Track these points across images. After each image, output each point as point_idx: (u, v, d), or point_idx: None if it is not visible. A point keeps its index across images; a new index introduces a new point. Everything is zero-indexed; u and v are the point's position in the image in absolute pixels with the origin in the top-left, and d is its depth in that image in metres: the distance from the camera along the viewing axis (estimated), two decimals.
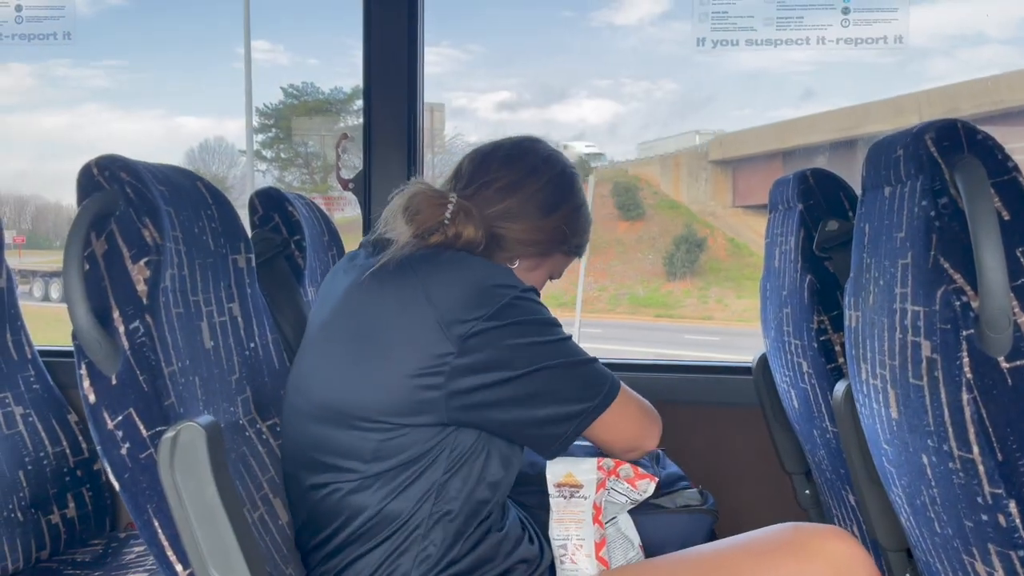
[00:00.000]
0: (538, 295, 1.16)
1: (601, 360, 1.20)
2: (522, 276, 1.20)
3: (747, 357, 1.94)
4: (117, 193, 1.00)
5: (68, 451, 1.75)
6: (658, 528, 1.39)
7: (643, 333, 11.51)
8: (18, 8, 1.97)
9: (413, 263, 1.12)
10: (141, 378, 0.96)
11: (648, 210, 14.86)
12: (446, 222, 1.15)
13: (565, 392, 1.12)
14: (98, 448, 0.97)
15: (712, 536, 1.47)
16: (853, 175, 1.33)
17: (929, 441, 0.98)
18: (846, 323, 1.26)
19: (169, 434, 0.93)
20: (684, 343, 11.03)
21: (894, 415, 1.07)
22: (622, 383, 1.19)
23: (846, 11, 1.84)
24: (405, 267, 1.12)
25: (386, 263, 1.13)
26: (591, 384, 1.14)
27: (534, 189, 1.23)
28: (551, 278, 1.34)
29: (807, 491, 1.80)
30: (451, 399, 1.06)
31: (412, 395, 1.06)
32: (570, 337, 1.15)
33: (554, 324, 1.13)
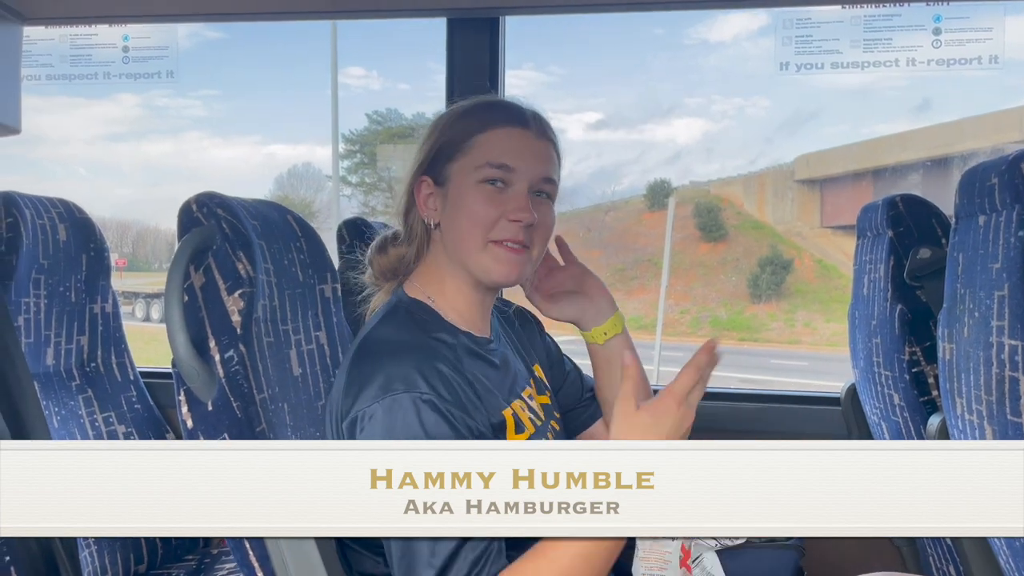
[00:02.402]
0: (433, 402, 0.95)
1: None
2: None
3: (838, 384, 1.88)
4: (214, 228, 1.06)
5: None
6: (744, 564, 1.36)
7: (727, 357, 11.26)
8: (125, 49, 2.10)
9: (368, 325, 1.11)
10: (235, 405, 1.01)
11: (731, 231, 14.62)
12: None
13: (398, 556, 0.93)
14: None
15: (799, 572, 1.43)
16: (949, 195, 1.27)
17: None
18: (940, 355, 1.21)
19: None
20: (770, 368, 10.75)
21: None
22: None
23: (937, 32, 1.78)
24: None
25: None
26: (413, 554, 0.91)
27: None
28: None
29: None
30: None
31: None
32: None
33: None
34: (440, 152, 1.11)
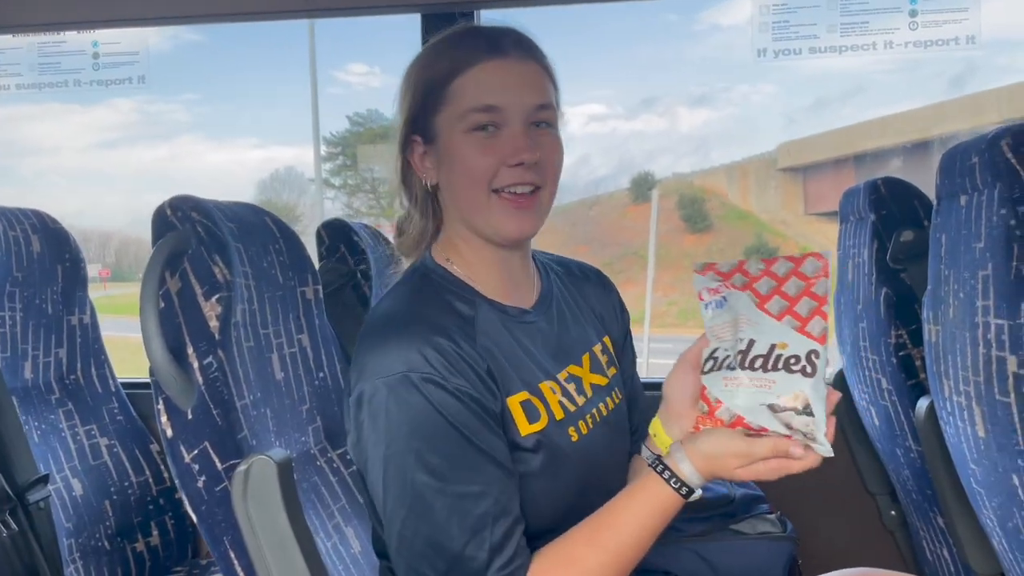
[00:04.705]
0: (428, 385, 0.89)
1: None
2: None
3: (828, 369, 1.88)
4: (189, 232, 1.04)
5: (151, 480, 1.81)
6: (737, 556, 1.36)
7: None
8: (95, 56, 2.07)
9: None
10: (215, 412, 0.99)
11: (716, 221, 14.67)
12: None
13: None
14: (176, 481, 1.00)
15: (793, 563, 1.43)
16: (932, 177, 1.26)
17: (1020, 461, 0.93)
18: (925, 337, 1.21)
19: (242, 467, 0.95)
20: None
21: (981, 434, 1.02)
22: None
23: (913, 13, 1.78)
24: None
25: None
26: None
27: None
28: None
29: (892, 512, 1.73)
30: None
31: None
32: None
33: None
34: (422, 105, 0.99)
